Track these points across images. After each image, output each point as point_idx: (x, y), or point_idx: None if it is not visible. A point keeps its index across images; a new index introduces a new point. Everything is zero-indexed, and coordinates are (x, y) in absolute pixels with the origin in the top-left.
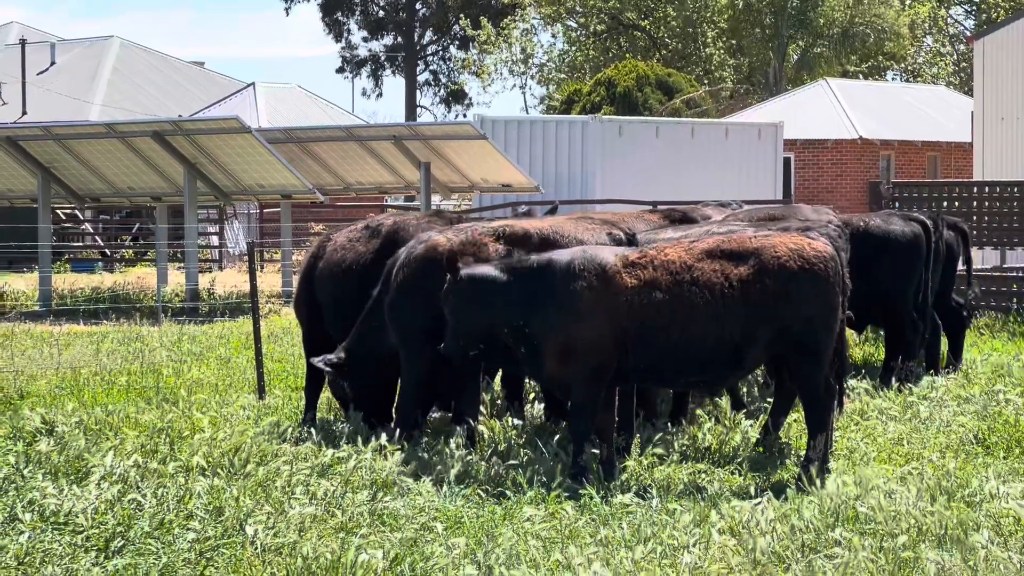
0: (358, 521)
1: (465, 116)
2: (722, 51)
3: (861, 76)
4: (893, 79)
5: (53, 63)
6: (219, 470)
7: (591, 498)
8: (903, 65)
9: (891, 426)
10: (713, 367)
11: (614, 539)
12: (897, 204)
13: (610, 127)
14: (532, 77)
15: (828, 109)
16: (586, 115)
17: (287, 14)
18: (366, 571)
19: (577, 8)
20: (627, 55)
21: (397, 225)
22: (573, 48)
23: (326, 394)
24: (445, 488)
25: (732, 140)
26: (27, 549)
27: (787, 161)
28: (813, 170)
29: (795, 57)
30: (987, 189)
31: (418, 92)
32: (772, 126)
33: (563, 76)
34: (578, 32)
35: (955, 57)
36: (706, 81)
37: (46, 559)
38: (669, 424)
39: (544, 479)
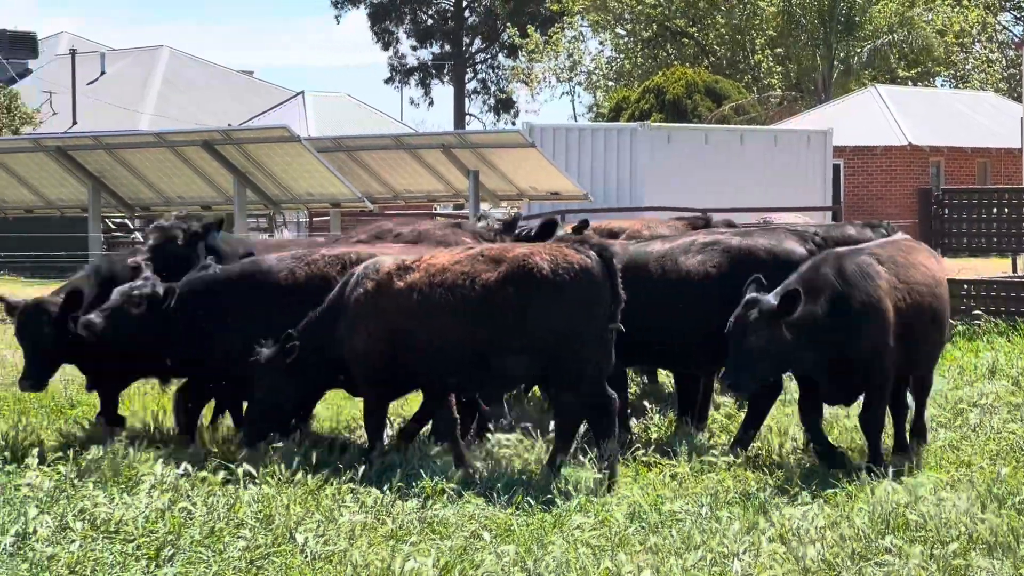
0: (408, 529)
1: (513, 124)
2: (770, 58)
3: (910, 82)
4: (943, 85)
5: (103, 73)
6: (268, 478)
7: (640, 506)
8: (952, 71)
9: (941, 433)
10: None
11: (664, 547)
12: (947, 211)
13: (659, 134)
14: (580, 85)
15: (877, 115)
16: (635, 122)
17: (337, 22)
18: None
19: (625, 15)
20: (675, 62)
21: (420, 235)
22: (621, 55)
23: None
24: (495, 495)
25: (781, 147)
26: (78, 558)
27: (836, 168)
28: (863, 177)
29: (843, 64)
30: None
31: (467, 100)
32: (821, 133)
33: (611, 83)
34: (626, 39)
35: (1004, 63)
36: (755, 88)
37: (97, 568)
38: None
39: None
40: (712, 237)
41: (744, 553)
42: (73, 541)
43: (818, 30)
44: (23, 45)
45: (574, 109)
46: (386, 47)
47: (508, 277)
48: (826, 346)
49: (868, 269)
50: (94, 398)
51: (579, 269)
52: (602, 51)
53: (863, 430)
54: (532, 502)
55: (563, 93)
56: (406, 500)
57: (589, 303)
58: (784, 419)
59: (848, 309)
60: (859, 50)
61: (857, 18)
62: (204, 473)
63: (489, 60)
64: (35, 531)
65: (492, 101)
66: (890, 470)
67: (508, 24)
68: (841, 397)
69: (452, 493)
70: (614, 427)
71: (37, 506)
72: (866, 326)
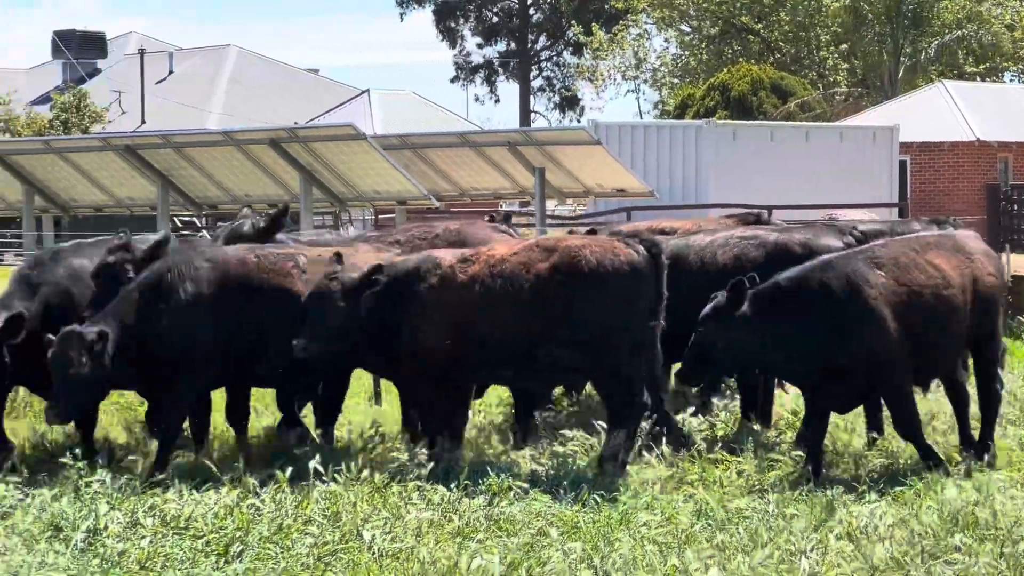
0: (474, 526)
1: (578, 121)
2: (836, 54)
3: (978, 78)
4: (1011, 81)
5: (171, 72)
6: (336, 476)
7: (707, 503)
8: (1020, 67)
9: (1010, 430)
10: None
11: (731, 544)
12: (1015, 207)
13: (724, 131)
14: (645, 82)
15: (944, 111)
16: (700, 120)
17: (401, 20)
18: None
19: (690, 12)
20: (740, 59)
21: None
22: (686, 52)
23: None
24: (561, 493)
25: (847, 144)
26: (148, 553)
27: (903, 164)
28: (929, 173)
29: (910, 60)
30: None
31: (532, 98)
32: (887, 129)
33: (676, 81)
34: (691, 36)
35: None
36: (820, 84)
37: (167, 563)
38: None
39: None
40: (750, 232)
41: (812, 551)
42: (143, 537)
43: (885, 26)
44: (93, 45)
45: (639, 106)
46: (451, 45)
47: (557, 268)
48: (812, 352)
49: (860, 274)
50: None
51: (626, 262)
52: (667, 48)
53: (901, 437)
54: (598, 499)
55: (628, 91)
56: (473, 497)
57: (632, 297)
58: (851, 416)
59: (836, 317)
60: (926, 46)
61: (925, 13)
62: (272, 470)
63: (554, 57)
64: (106, 527)
65: (557, 99)
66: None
67: (573, 22)
68: (836, 404)
69: (519, 490)
70: (635, 425)
71: (108, 502)
72: (858, 334)
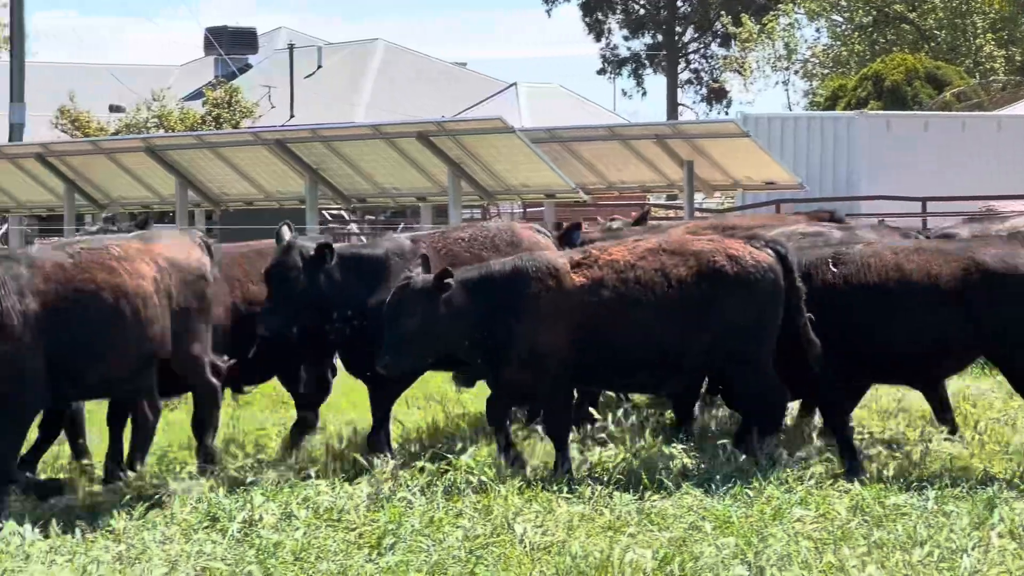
0: (626, 520)
1: (727, 114)
2: (993, 42)
3: None
4: None
5: (320, 67)
6: (486, 469)
7: (863, 498)
8: None
9: None
10: None
11: (888, 541)
12: None
13: (877, 122)
14: (795, 73)
15: None
16: (852, 111)
17: (548, 14)
18: (635, 570)
19: (842, 2)
20: (894, 48)
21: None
22: (838, 42)
23: None
24: (713, 487)
25: (1005, 133)
26: (303, 545)
27: None
28: None
29: None
30: None
31: (679, 90)
32: None
33: (827, 71)
34: (843, 26)
35: None
36: (976, 73)
37: (321, 555)
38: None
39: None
40: (815, 228)
41: (973, 549)
42: (297, 528)
43: None
44: (244, 41)
45: (788, 98)
46: (598, 38)
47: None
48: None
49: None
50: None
51: (763, 265)
52: (818, 38)
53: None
54: (751, 494)
55: (777, 82)
56: (623, 492)
57: (771, 298)
58: (1014, 411)
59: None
60: None
61: None
62: (422, 463)
63: (702, 50)
64: (260, 518)
65: (705, 91)
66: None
67: (721, 13)
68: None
69: (670, 485)
70: (780, 420)
71: (263, 494)
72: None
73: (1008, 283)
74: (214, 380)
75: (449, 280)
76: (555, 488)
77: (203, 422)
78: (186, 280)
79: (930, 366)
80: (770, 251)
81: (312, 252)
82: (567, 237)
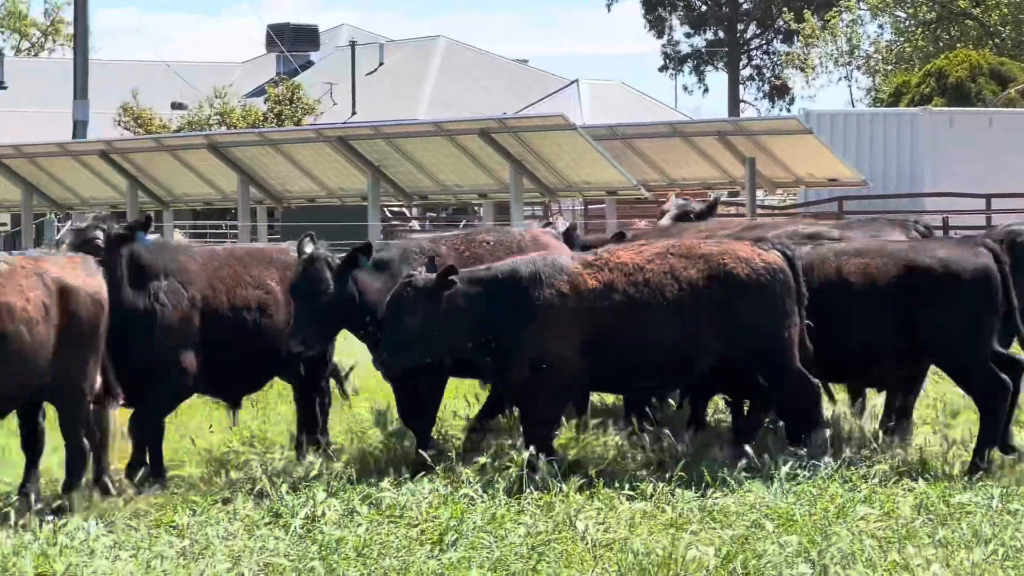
0: (688, 517)
1: (788, 110)
2: None
3: None
4: None
5: (381, 63)
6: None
7: (928, 497)
8: None
9: None
10: None
11: (953, 540)
12: None
13: (940, 119)
14: (858, 69)
15: None
16: (915, 107)
17: (609, 10)
18: (697, 568)
19: None
20: (958, 44)
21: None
22: (901, 39)
23: None
24: (775, 485)
25: None
26: (365, 541)
27: None
28: None
29: None
30: None
31: (741, 87)
32: None
33: (890, 68)
34: (906, 22)
35: None
36: None
37: (383, 551)
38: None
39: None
40: (813, 229)
41: None
42: (360, 525)
43: None
44: (305, 38)
45: (851, 94)
46: (659, 35)
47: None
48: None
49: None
50: (372, 384)
51: (774, 268)
52: (881, 35)
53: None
54: (814, 491)
55: (840, 78)
56: (685, 489)
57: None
58: None
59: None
60: None
61: None
62: (482, 460)
63: (764, 46)
64: (323, 514)
65: (767, 87)
66: None
67: (784, 9)
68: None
69: (732, 482)
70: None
71: (325, 490)
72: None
73: (943, 284)
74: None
75: (453, 278)
76: (617, 485)
77: (72, 461)
78: (77, 304)
79: (871, 366)
80: (778, 252)
81: (340, 260)
82: (567, 239)
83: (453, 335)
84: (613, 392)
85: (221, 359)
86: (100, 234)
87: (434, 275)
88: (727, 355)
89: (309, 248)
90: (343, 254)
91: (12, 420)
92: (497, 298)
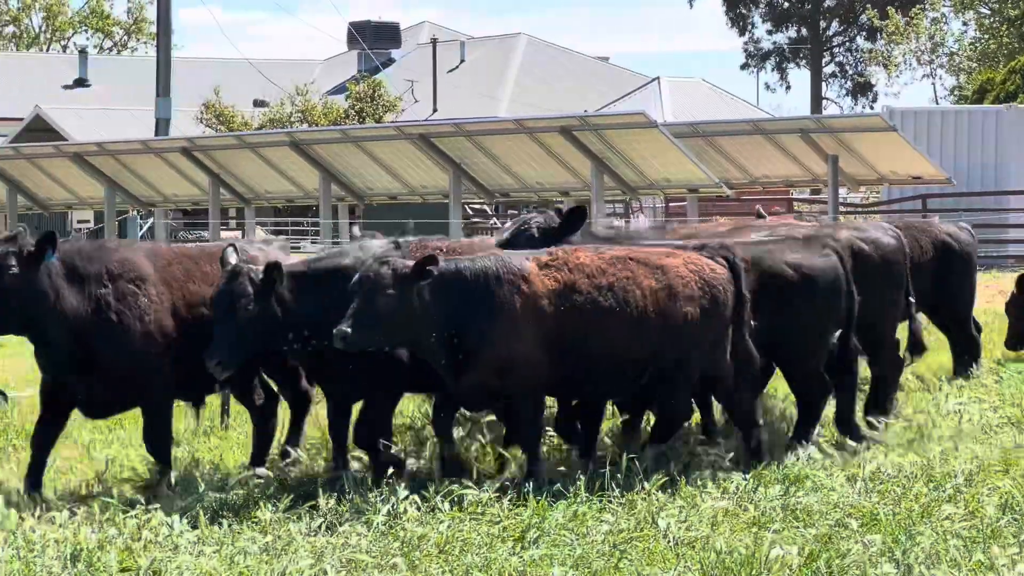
0: (771, 516)
1: (871, 108)
2: None
3: None
4: None
5: (463, 61)
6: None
7: (1013, 497)
8: None
9: None
10: None
11: None
12: None
13: None
14: (942, 66)
15: None
16: (1000, 104)
17: (691, 7)
18: (781, 567)
19: None
20: None
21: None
22: (986, 36)
23: None
24: (859, 484)
25: None
26: (447, 537)
27: None
28: None
29: None
30: None
31: (823, 84)
32: None
33: (975, 65)
34: (991, 19)
35: None
36: None
37: (465, 548)
38: None
39: None
40: (788, 229)
41: None
42: (442, 522)
43: None
44: (387, 36)
45: (935, 92)
46: (741, 32)
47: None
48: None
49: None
50: None
51: (720, 277)
52: (965, 32)
53: None
54: (898, 490)
55: (923, 75)
56: (768, 487)
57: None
58: None
59: None
60: None
61: None
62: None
63: (847, 43)
64: (405, 511)
65: (849, 85)
66: None
67: (867, 6)
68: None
69: (815, 480)
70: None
71: (406, 487)
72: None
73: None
74: None
75: (431, 268)
76: (698, 483)
77: None
78: None
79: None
80: (722, 260)
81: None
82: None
83: (416, 327)
84: (569, 399)
85: (184, 358)
86: (13, 258)
87: (413, 261)
88: (663, 364)
89: (233, 259)
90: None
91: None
92: (462, 295)
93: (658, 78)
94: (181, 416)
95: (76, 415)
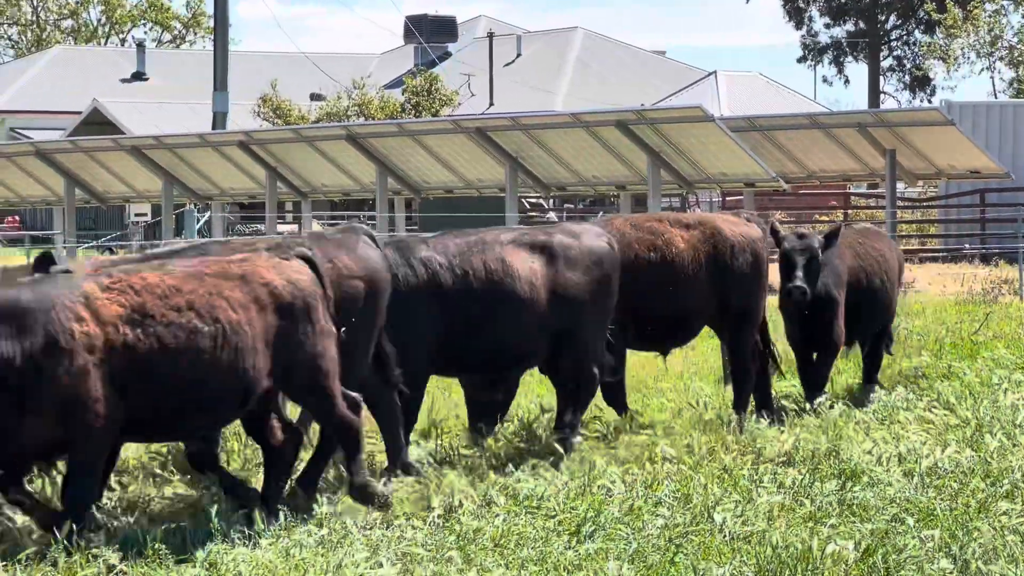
0: (827, 511)
1: (929, 102)
2: None
3: None
4: None
5: (519, 55)
6: (685, 457)
7: None
8: None
9: None
10: None
11: None
12: None
13: None
14: (1001, 59)
15: None
16: None
17: (747, 1)
18: (836, 562)
19: None
20: None
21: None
22: None
23: None
24: (916, 479)
25: None
26: (502, 531)
27: None
28: None
29: None
30: None
31: (881, 78)
32: None
33: None
34: None
35: None
36: None
37: (520, 542)
38: None
39: None
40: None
41: None
42: (497, 515)
43: None
44: (443, 30)
45: (994, 85)
46: (798, 26)
47: None
48: None
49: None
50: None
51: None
52: None
53: None
54: (955, 485)
55: (982, 69)
56: (825, 482)
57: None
58: None
59: None
60: None
61: None
62: (621, 452)
63: (905, 37)
64: (460, 504)
65: (907, 78)
66: None
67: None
68: None
69: (871, 475)
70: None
71: (463, 480)
72: None
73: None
74: None
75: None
76: (756, 477)
77: None
78: None
79: None
80: (299, 259)
81: None
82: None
83: None
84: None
85: None
86: None
87: None
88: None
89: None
90: None
91: None
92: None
93: (715, 72)
94: None
95: None
